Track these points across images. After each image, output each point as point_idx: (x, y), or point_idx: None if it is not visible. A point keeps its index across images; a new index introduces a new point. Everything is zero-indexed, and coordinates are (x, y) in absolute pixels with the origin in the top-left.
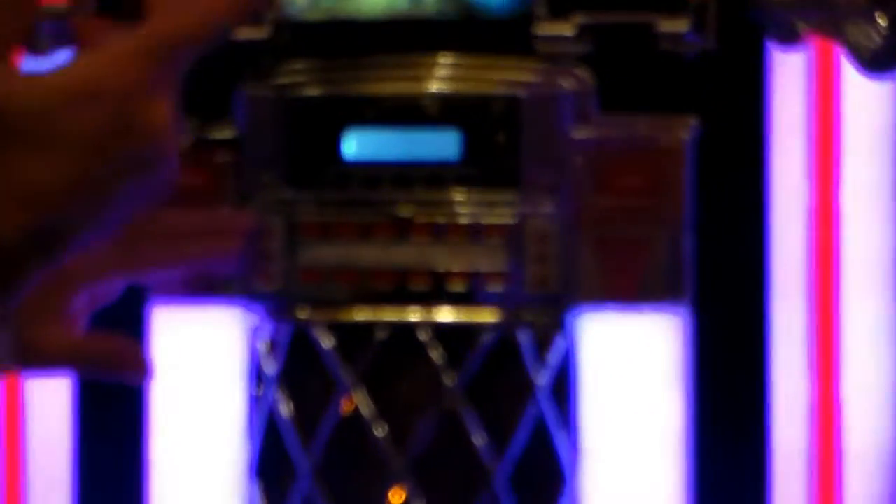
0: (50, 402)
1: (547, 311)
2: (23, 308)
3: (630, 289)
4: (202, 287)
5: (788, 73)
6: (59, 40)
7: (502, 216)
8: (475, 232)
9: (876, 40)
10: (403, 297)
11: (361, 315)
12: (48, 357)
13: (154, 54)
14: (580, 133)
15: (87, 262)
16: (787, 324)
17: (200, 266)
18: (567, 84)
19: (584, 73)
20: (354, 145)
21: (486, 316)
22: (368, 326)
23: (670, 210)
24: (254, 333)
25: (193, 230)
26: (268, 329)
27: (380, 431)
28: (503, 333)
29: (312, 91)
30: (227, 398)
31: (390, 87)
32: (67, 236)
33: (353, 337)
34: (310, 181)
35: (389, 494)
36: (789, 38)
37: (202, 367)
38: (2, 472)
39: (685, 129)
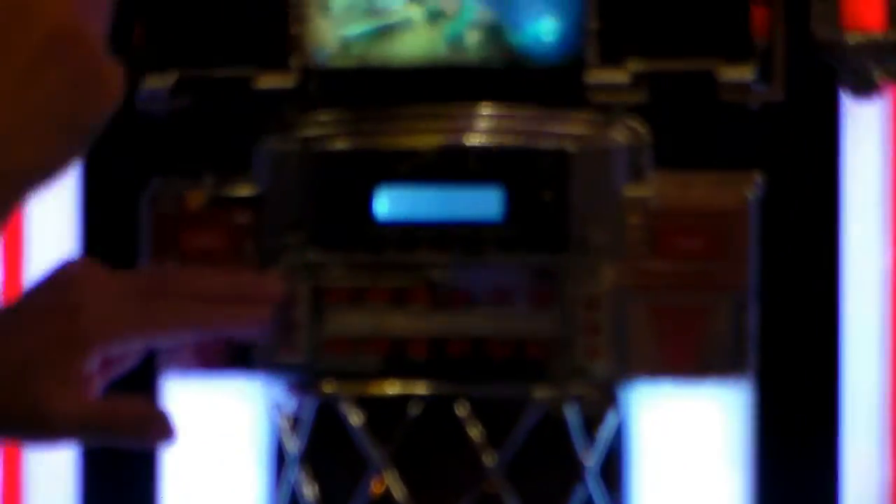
0: (51, 483)
1: (597, 384)
2: (32, 370)
3: (688, 362)
4: (219, 357)
5: (864, 126)
6: None
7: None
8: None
9: None
10: (439, 369)
11: (393, 388)
12: (62, 422)
13: None
14: (634, 191)
15: (101, 321)
16: (860, 405)
17: (222, 333)
18: (620, 137)
19: (638, 125)
20: (387, 203)
21: (531, 390)
22: (401, 401)
23: (733, 276)
24: (275, 409)
25: (218, 294)
26: (291, 404)
27: None
28: (549, 409)
29: (341, 144)
30: (247, 479)
31: (426, 139)
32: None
33: (383, 412)
34: (338, 242)
35: None
36: (865, 87)
37: (219, 445)
38: None
39: (749, 187)
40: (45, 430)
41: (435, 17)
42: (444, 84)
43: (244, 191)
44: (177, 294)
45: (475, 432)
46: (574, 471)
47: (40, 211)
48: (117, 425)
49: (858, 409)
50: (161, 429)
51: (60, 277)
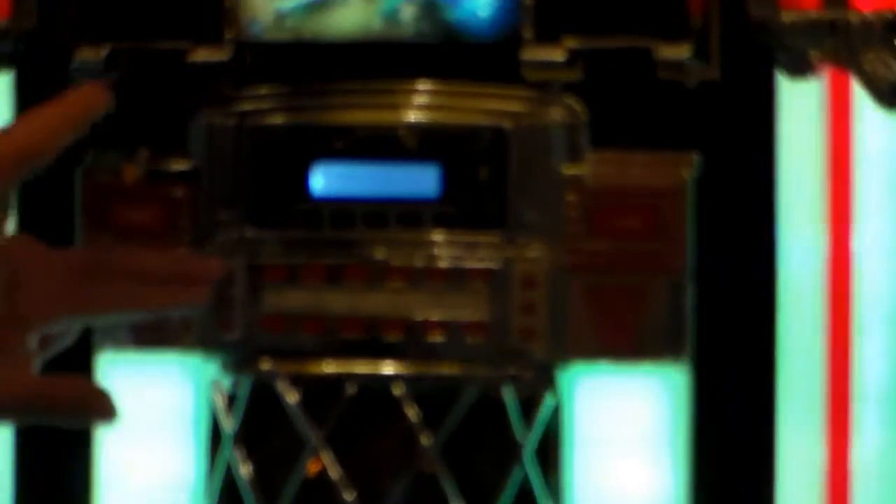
0: None
1: (534, 365)
2: None
3: (625, 342)
4: (154, 334)
5: (800, 106)
6: None
7: (485, 260)
8: (455, 277)
9: (895, 70)
10: (376, 349)
11: (330, 367)
12: (1, 403)
13: None
14: (571, 169)
15: (40, 300)
16: (796, 382)
17: (161, 313)
18: (557, 115)
19: (575, 103)
20: (323, 180)
21: (467, 370)
22: (337, 380)
23: (670, 256)
24: (211, 387)
25: (157, 274)
26: (227, 382)
27: (349, 496)
28: (485, 389)
29: (277, 119)
30: (181, 458)
31: (363, 116)
32: None
33: (320, 391)
34: (274, 219)
35: None
36: (800, 66)
37: (154, 423)
38: None
39: (686, 167)
40: None
41: None
42: (381, 59)
43: (180, 165)
44: (116, 273)
45: (412, 412)
46: (511, 452)
47: None
48: (58, 405)
49: (794, 389)
50: (103, 407)
51: None
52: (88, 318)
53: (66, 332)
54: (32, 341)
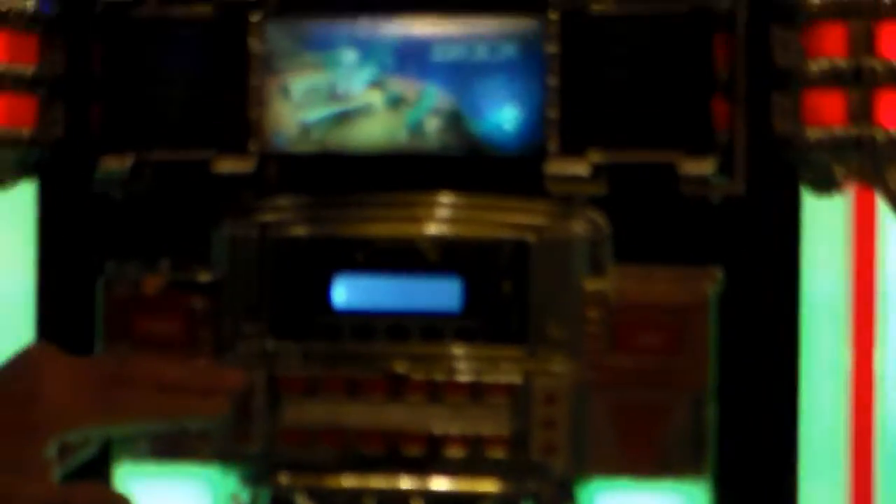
0: None
1: (554, 481)
2: None
3: (646, 459)
4: (173, 446)
5: (825, 222)
6: None
7: (507, 375)
8: (476, 392)
9: None
10: (395, 463)
11: (348, 482)
12: None
13: None
14: (594, 284)
15: (58, 410)
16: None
17: (180, 423)
18: (580, 229)
19: (598, 217)
20: (344, 293)
21: (487, 486)
22: (356, 495)
23: (692, 373)
24: (230, 500)
25: (177, 384)
26: (245, 495)
27: None
28: None
29: (299, 231)
30: None
31: (385, 228)
32: None
33: None
34: (295, 331)
35: None
36: (825, 182)
37: None
38: None
39: (710, 282)
40: None
41: (395, 103)
42: (404, 171)
43: (201, 276)
44: (136, 383)
45: None
46: None
47: None
48: None
49: None
50: None
51: (20, 363)
52: (107, 426)
53: (89, 442)
54: (51, 450)
